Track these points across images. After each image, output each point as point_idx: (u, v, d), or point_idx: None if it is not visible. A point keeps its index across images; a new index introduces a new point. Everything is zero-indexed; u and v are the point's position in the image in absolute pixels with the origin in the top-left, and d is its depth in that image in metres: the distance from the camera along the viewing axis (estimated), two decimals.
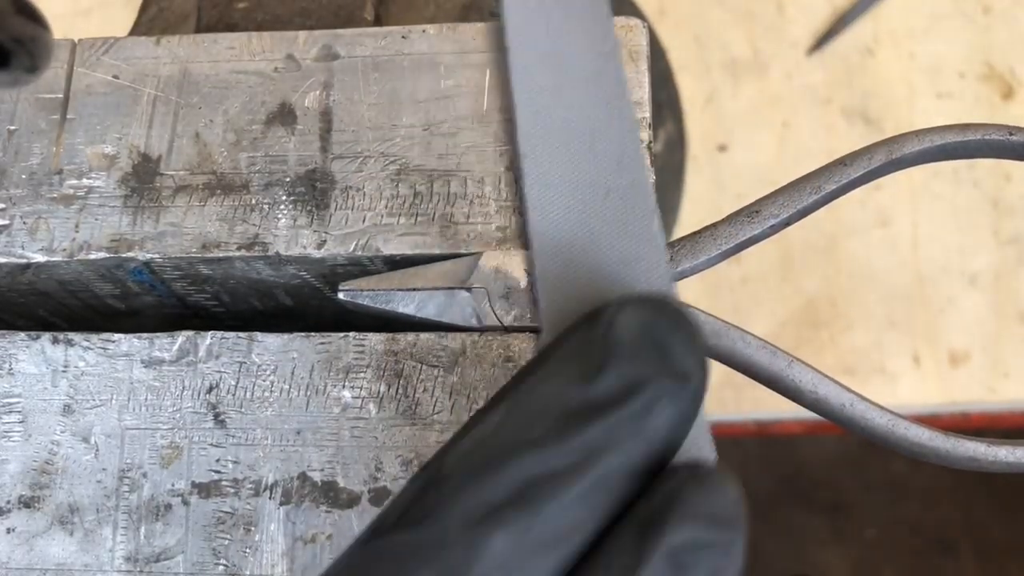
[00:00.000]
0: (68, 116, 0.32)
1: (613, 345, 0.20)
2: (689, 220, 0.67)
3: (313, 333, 0.29)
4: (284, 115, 0.31)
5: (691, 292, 0.65)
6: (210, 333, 0.29)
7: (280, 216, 0.30)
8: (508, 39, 0.30)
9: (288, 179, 0.30)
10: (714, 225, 0.30)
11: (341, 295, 0.29)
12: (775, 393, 0.29)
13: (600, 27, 0.30)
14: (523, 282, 0.28)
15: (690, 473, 0.20)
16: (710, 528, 0.19)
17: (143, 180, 0.31)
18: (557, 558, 0.19)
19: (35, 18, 0.26)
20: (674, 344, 0.20)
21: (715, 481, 0.19)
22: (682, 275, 0.29)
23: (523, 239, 0.29)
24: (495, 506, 0.18)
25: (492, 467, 0.19)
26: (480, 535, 0.18)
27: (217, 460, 0.28)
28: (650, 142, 0.30)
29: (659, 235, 0.27)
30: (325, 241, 0.29)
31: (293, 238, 0.30)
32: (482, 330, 0.28)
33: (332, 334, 0.29)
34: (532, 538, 0.18)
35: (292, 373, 0.29)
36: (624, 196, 0.28)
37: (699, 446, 0.24)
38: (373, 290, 0.29)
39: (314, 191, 0.30)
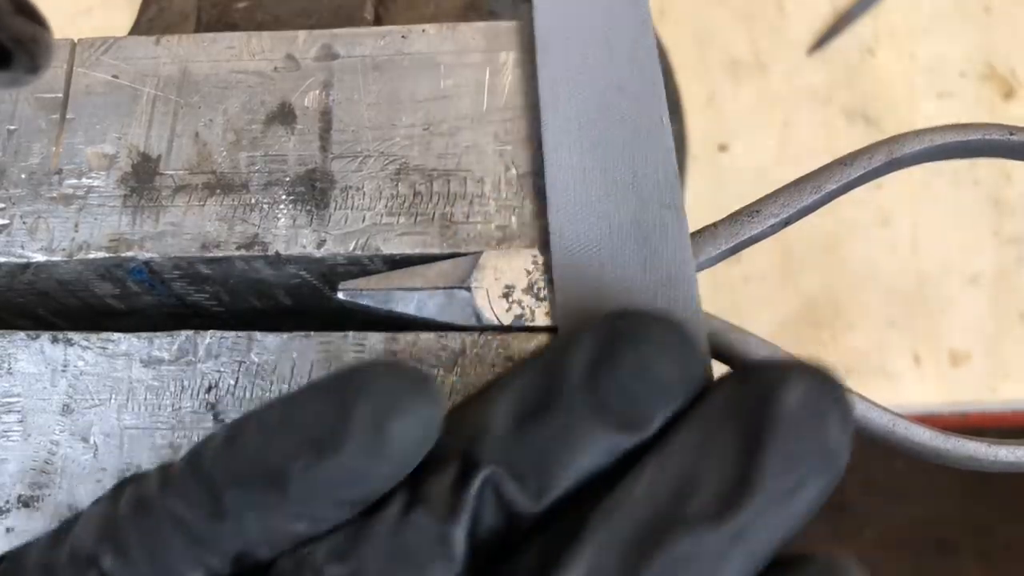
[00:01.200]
0: (68, 116, 0.32)
1: (778, 418, 0.19)
2: (690, 220, 0.66)
3: (313, 333, 0.29)
4: (284, 115, 0.31)
5: None
6: (209, 333, 0.29)
7: (280, 216, 0.30)
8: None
9: (288, 179, 0.30)
10: (714, 224, 0.30)
11: (341, 295, 0.29)
12: None
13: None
14: (523, 282, 0.28)
15: (828, 564, 0.19)
16: None
17: (143, 180, 0.31)
18: None
19: (35, 18, 0.26)
20: (831, 424, 0.19)
21: (851, 572, 0.19)
22: None
23: (532, 236, 0.28)
24: None
25: (643, 544, 0.18)
26: None
27: None
28: None
29: (683, 221, 0.27)
30: (325, 241, 0.29)
31: (293, 238, 0.30)
32: (482, 330, 0.28)
33: (332, 333, 0.29)
34: None
35: (292, 373, 0.29)
36: (648, 173, 0.27)
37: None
38: (373, 290, 0.29)
39: (314, 191, 0.30)
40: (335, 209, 0.30)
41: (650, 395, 0.19)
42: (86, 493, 0.28)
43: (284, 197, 0.30)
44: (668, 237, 0.26)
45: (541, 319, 0.28)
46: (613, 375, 0.19)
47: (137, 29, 0.41)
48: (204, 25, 0.37)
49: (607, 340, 0.20)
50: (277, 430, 0.19)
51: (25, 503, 0.28)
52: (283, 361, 0.29)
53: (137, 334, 0.29)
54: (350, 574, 0.18)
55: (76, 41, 0.33)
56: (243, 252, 0.30)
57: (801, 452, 0.18)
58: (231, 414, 0.28)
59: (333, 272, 0.30)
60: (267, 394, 0.28)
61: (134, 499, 0.19)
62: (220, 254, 0.30)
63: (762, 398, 0.19)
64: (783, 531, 0.19)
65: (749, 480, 0.18)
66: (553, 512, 0.19)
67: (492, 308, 0.28)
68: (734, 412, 0.19)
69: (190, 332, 0.29)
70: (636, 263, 0.26)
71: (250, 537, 0.18)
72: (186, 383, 0.29)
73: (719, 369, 0.28)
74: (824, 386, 0.19)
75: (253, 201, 0.30)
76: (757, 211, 0.30)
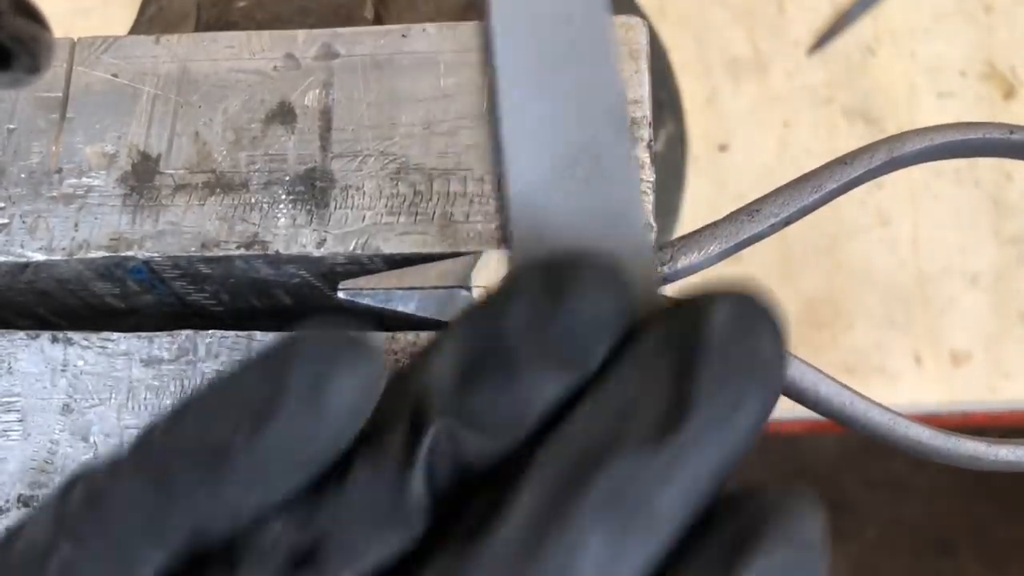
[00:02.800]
0: (67, 115, 0.31)
1: (708, 338, 0.19)
2: (690, 219, 0.67)
3: None
4: (284, 114, 0.31)
5: None
6: (209, 332, 0.29)
7: (280, 215, 0.30)
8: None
9: (288, 178, 0.30)
10: (715, 224, 0.30)
11: (341, 294, 0.29)
12: None
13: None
14: None
15: (776, 495, 0.19)
16: (799, 552, 0.18)
17: (142, 179, 0.31)
18: (647, 560, 0.18)
19: (36, 18, 0.26)
20: (762, 335, 0.19)
21: (803, 503, 0.19)
22: (683, 274, 0.29)
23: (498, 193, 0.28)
24: (588, 507, 0.18)
25: (584, 470, 0.18)
26: (579, 535, 0.18)
27: None
28: (651, 141, 0.30)
29: (638, 194, 0.27)
30: (325, 240, 0.29)
31: (292, 237, 0.30)
32: None
33: None
34: (627, 540, 0.18)
35: None
36: (596, 102, 0.27)
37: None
38: (373, 289, 0.29)
39: (314, 190, 0.30)
40: (335, 208, 0.30)
41: (587, 333, 0.20)
42: None
43: (284, 196, 0.30)
44: (616, 165, 0.26)
45: None
46: (549, 317, 0.20)
47: (137, 28, 0.41)
48: (204, 24, 0.37)
49: (543, 285, 0.20)
50: (218, 406, 0.19)
51: (25, 503, 0.28)
52: None
53: (137, 334, 0.29)
54: (310, 540, 0.18)
55: (76, 40, 0.33)
56: (243, 251, 0.30)
57: (734, 369, 0.19)
58: None
59: (333, 271, 0.30)
60: None
61: (85, 492, 0.19)
62: (220, 253, 0.30)
63: (692, 322, 0.19)
64: (725, 454, 0.19)
65: (684, 402, 0.18)
66: (508, 459, 0.19)
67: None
68: (665, 340, 0.19)
69: (190, 332, 0.29)
70: (585, 197, 0.26)
71: (204, 512, 0.18)
72: (186, 383, 0.29)
73: None
74: (751, 304, 0.20)
75: (253, 200, 0.30)
76: (757, 210, 0.30)
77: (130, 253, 0.30)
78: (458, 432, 0.19)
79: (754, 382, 0.19)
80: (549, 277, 0.20)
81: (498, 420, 0.19)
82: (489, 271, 0.29)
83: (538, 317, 0.20)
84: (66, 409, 0.29)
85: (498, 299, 0.21)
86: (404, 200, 0.30)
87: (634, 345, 0.20)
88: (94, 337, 0.29)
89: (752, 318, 0.19)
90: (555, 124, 0.27)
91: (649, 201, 0.29)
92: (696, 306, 0.20)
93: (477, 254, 0.29)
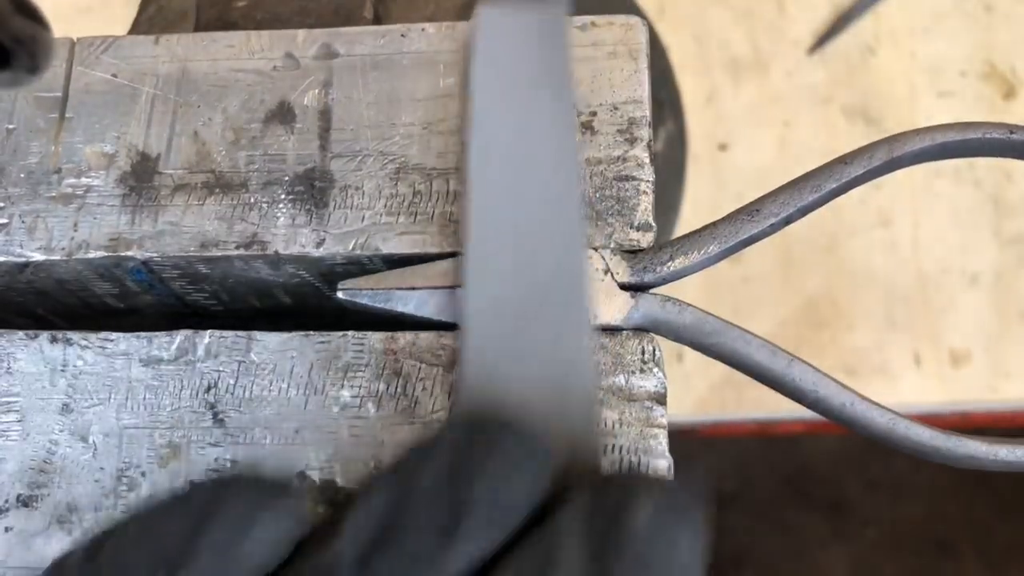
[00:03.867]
0: (67, 115, 0.31)
1: (626, 539, 0.19)
2: (690, 219, 0.67)
3: (312, 332, 0.29)
4: (283, 114, 0.31)
5: (691, 291, 0.64)
6: (209, 332, 0.29)
7: (279, 215, 0.30)
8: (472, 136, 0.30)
9: (287, 178, 0.30)
10: (714, 223, 0.30)
11: (340, 294, 0.29)
12: (776, 393, 0.29)
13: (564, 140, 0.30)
14: None
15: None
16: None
17: (142, 179, 0.31)
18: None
19: (36, 18, 0.26)
20: (681, 541, 0.19)
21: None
22: (682, 274, 0.29)
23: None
24: None
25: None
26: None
27: (215, 459, 0.28)
28: (650, 141, 0.30)
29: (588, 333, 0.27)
30: (324, 240, 0.29)
31: (292, 237, 0.30)
32: None
33: (331, 333, 0.29)
34: None
35: (291, 372, 0.29)
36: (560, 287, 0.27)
37: None
38: (372, 289, 0.29)
39: (313, 190, 0.30)
40: (334, 208, 0.30)
41: (500, 503, 0.19)
42: (85, 492, 0.28)
43: (283, 196, 0.30)
44: (570, 324, 0.27)
45: None
46: (460, 490, 0.19)
47: (136, 28, 0.41)
48: (203, 24, 0.37)
49: (455, 456, 0.20)
50: (133, 546, 0.19)
51: (24, 502, 0.28)
52: (282, 360, 0.29)
53: (136, 333, 0.29)
54: None
55: (75, 40, 0.33)
56: (242, 251, 0.29)
57: (649, 569, 0.19)
58: (230, 413, 0.28)
59: (332, 271, 0.30)
60: (266, 393, 0.28)
61: None
62: (219, 253, 0.30)
63: (611, 518, 0.19)
64: None
65: None
66: None
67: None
68: (584, 529, 0.19)
69: (189, 331, 0.29)
70: (537, 352, 0.26)
71: None
72: (185, 382, 0.29)
73: (720, 368, 0.28)
74: (673, 503, 0.19)
75: (252, 200, 0.30)
76: (757, 210, 0.30)
77: (129, 253, 0.30)
78: None
79: None
80: (470, 440, 0.20)
81: None
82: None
83: (452, 483, 0.19)
84: (65, 409, 0.29)
85: (415, 459, 0.20)
86: (403, 200, 0.30)
87: (551, 528, 0.19)
88: (93, 337, 0.29)
89: (673, 521, 0.19)
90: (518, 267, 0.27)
91: (649, 201, 0.29)
92: (617, 496, 0.19)
93: None
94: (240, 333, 0.29)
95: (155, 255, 0.30)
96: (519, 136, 0.29)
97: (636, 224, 0.29)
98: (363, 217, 0.30)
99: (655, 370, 0.28)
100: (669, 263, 0.29)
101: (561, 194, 0.28)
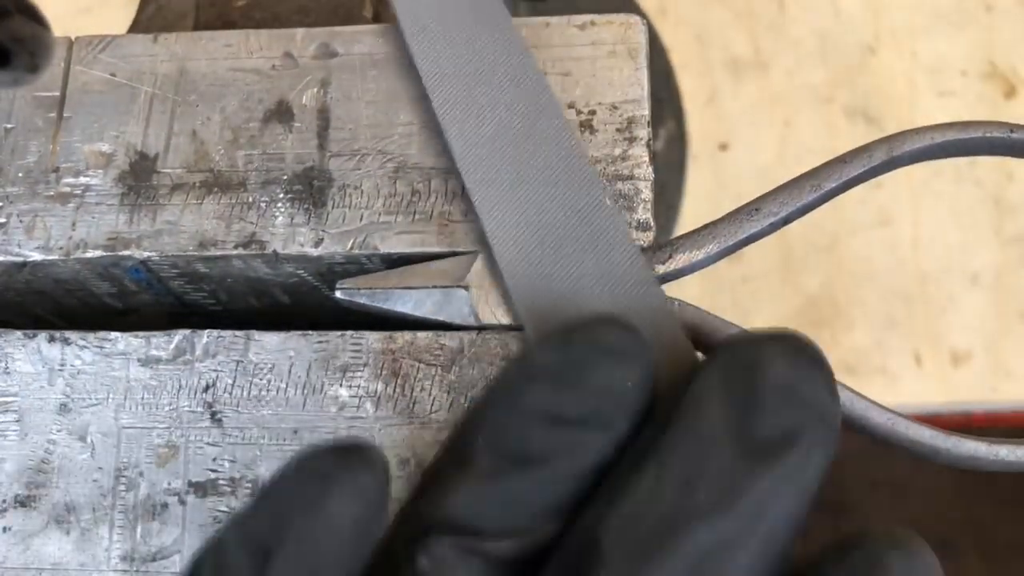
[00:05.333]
0: (65, 114, 0.31)
1: (767, 391, 0.19)
2: (690, 219, 0.66)
3: (310, 332, 0.29)
4: (282, 113, 0.31)
5: (691, 291, 0.64)
6: (207, 332, 0.29)
7: (277, 214, 0.30)
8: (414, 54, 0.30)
9: (285, 177, 0.30)
10: (714, 223, 0.30)
11: (338, 293, 0.29)
12: None
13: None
14: None
15: (888, 539, 0.19)
16: None
17: (140, 178, 0.31)
18: None
19: (36, 17, 0.26)
20: (819, 387, 0.19)
21: (917, 550, 0.18)
22: (682, 273, 0.29)
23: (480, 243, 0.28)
24: None
25: (661, 545, 0.18)
26: None
27: (214, 459, 0.28)
28: (650, 140, 0.30)
29: (617, 216, 0.27)
30: (322, 239, 0.29)
31: (290, 236, 0.29)
32: (480, 328, 0.28)
33: (329, 332, 0.29)
34: None
35: (289, 372, 0.28)
36: (571, 183, 0.27)
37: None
38: (371, 288, 0.29)
39: (311, 189, 0.30)
40: (333, 207, 0.30)
41: (613, 402, 0.20)
42: (83, 492, 0.28)
43: (282, 195, 0.30)
44: (603, 215, 0.26)
45: None
46: (572, 393, 0.20)
47: (136, 27, 0.41)
48: (202, 23, 0.37)
49: (562, 360, 0.20)
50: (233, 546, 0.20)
51: (22, 503, 0.28)
52: (281, 360, 0.29)
53: (135, 333, 0.29)
54: None
55: (74, 39, 0.32)
56: (241, 251, 0.29)
57: (795, 422, 0.18)
58: (228, 413, 0.28)
59: (331, 271, 0.30)
60: (265, 393, 0.28)
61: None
62: (217, 253, 0.30)
63: (746, 379, 0.19)
64: (796, 506, 0.18)
65: (751, 460, 0.18)
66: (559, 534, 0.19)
67: (490, 307, 0.28)
68: (721, 397, 0.19)
69: (188, 331, 0.29)
70: (579, 248, 0.26)
71: None
72: (184, 382, 0.29)
73: None
74: (802, 352, 0.19)
75: (251, 200, 0.30)
76: (757, 209, 0.30)
77: (127, 252, 0.30)
78: (478, 547, 0.19)
79: (818, 432, 0.19)
80: (568, 350, 0.20)
81: (521, 521, 0.19)
82: (487, 271, 0.28)
83: (558, 397, 0.19)
84: (63, 409, 0.29)
85: (516, 381, 0.20)
86: (402, 199, 0.30)
87: (686, 403, 0.19)
88: (91, 337, 0.29)
89: (806, 368, 0.19)
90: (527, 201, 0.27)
91: (649, 200, 0.29)
92: (746, 358, 0.19)
93: (475, 253, 0.29)
94: (238, 333, 0.29)
95: (153, 254, 0.30)
96: (470, 58, 0.29)
97: (636, 223, 0.29)
98: (362, 216, 0.29)
99: None
100: (669, 262, 0.29)
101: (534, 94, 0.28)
